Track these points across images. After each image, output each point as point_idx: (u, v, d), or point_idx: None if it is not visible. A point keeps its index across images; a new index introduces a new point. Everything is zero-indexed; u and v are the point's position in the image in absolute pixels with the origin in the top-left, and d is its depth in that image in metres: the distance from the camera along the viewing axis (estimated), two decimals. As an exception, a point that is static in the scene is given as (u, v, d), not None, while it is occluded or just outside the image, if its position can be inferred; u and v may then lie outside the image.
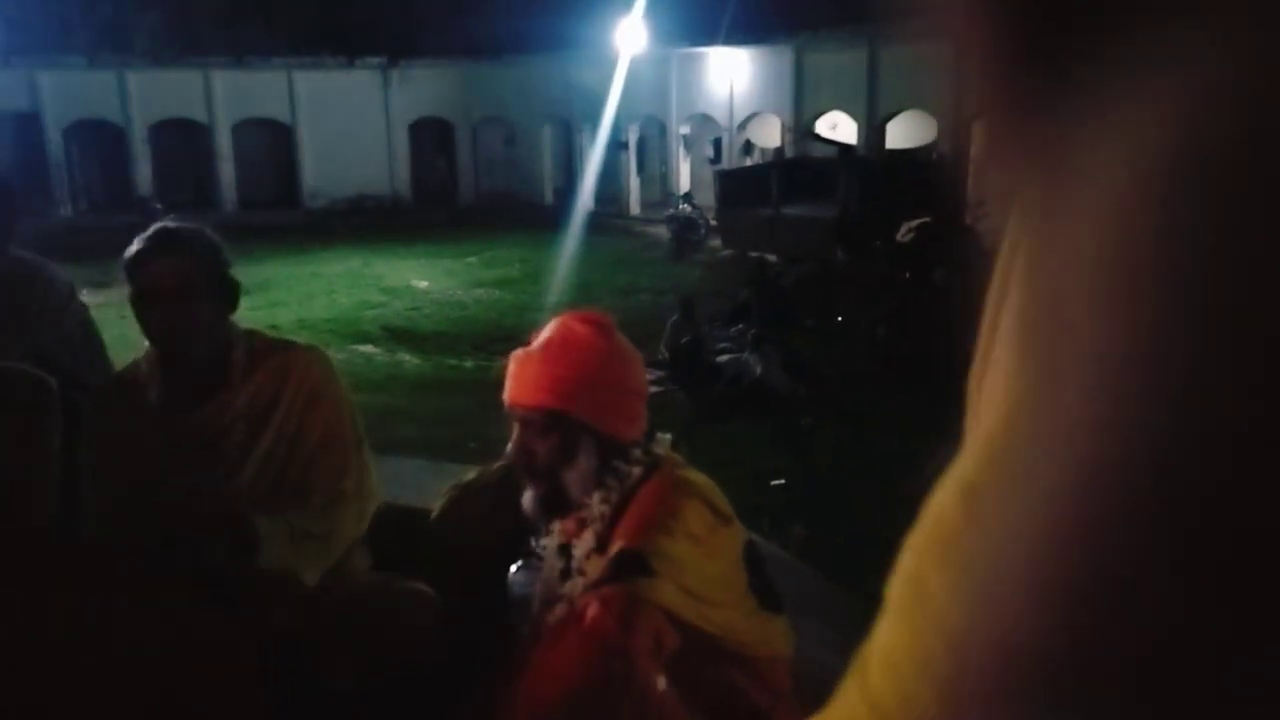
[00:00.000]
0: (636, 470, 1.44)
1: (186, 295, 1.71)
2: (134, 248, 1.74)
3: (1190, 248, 0.16)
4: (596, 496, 1.44)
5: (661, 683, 1.22)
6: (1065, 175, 0.19)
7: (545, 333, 1.47)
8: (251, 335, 1.86)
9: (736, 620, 1.37)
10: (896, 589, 0.28)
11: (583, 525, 1.47)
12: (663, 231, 16.79)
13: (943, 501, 0.26)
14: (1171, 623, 0.15)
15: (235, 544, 1.57)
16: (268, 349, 1.84)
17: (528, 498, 1.48)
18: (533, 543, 1.58)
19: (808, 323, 10.32)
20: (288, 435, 1.77)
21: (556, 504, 1.47)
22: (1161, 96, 0.17)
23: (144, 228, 1.81)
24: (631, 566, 1.30)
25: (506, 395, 1.48)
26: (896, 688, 0.28)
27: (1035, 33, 0.20)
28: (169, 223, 1.82)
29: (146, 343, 1.84)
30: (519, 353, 1.47)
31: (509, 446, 1.49)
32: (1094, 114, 0.18)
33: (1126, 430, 0.16)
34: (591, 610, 1.27)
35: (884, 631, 0.29)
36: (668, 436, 1.54)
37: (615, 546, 1.36)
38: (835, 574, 3.37)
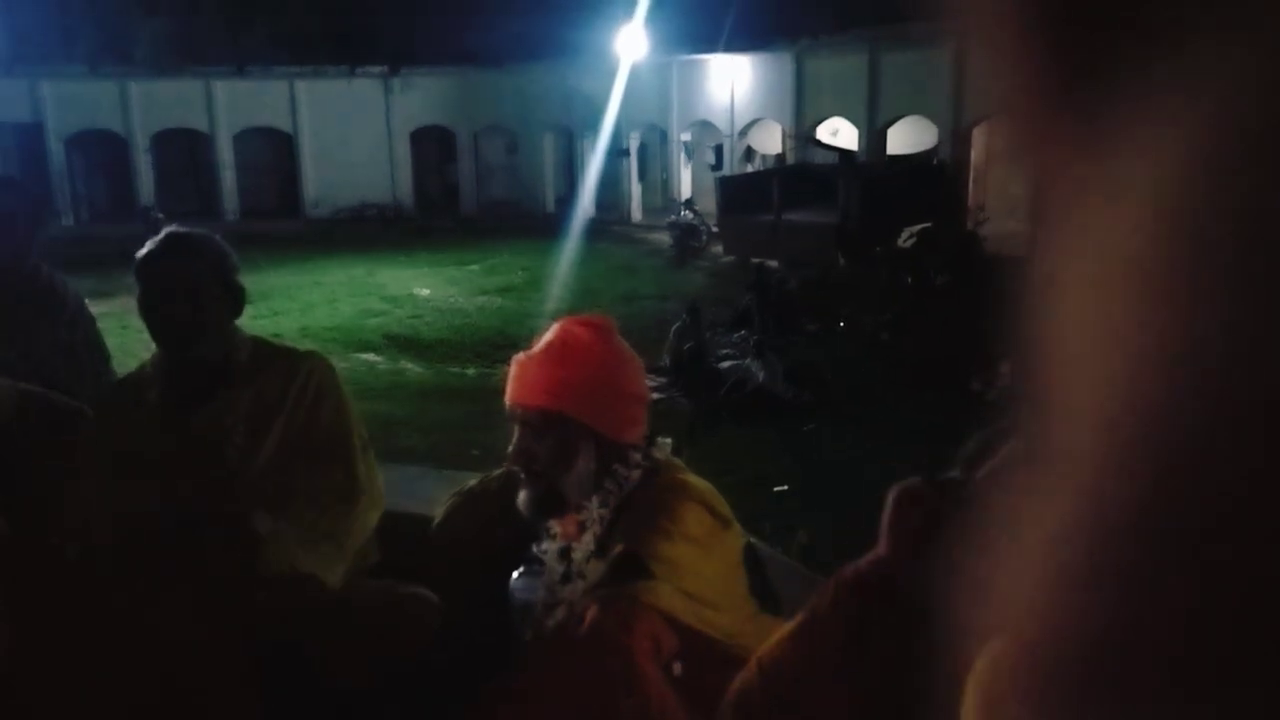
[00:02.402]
0: (636, 474, 1.44)
1: (194, 296, 1.74)
2: (145, 249, 1.77)
3: (1220, 253, 0.16)
4: (595, 500, 1.45)
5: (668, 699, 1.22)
6: (1097, 176, 0.19)
7: (546, 335, 1.48)
8: (255, 341, 1.88)
9: (737, 623, 1.37)
10: None
11: (582, 529, 1.47)
12: (664, 238, 16.80)
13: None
14: (1194, 619, 0.15)
15: (237, 542, 1.57)
16: (271, 354, 1.86)
17: (522, 498, 1.48)
18: (534, 548, 1.58)
19: (810, 328, 10.32)
20: (292, 438, 1.78)
21: (551, 505, 1.48)
22: (1195, 105, 0.17)
23: (147, 237, 1.84)
24: (630, 569, 1.31)
25: (507, 396, 1.49)
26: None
27: (1073, 39, 0.20)
28: (179, 228, 1.85)
29: (147, 352, 1.84)
30: (520, 355, 1.48)
31: (509, 449, 1.50)
32: (1129, 116, 0.18)
33: (1158, 427, 0.16)
34: (591, 613, 1.27)
35: None
36: (668, 441, 1.54)
37: (614, 550, 1.36)
38: (838, 579, 3.36)
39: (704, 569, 1.35)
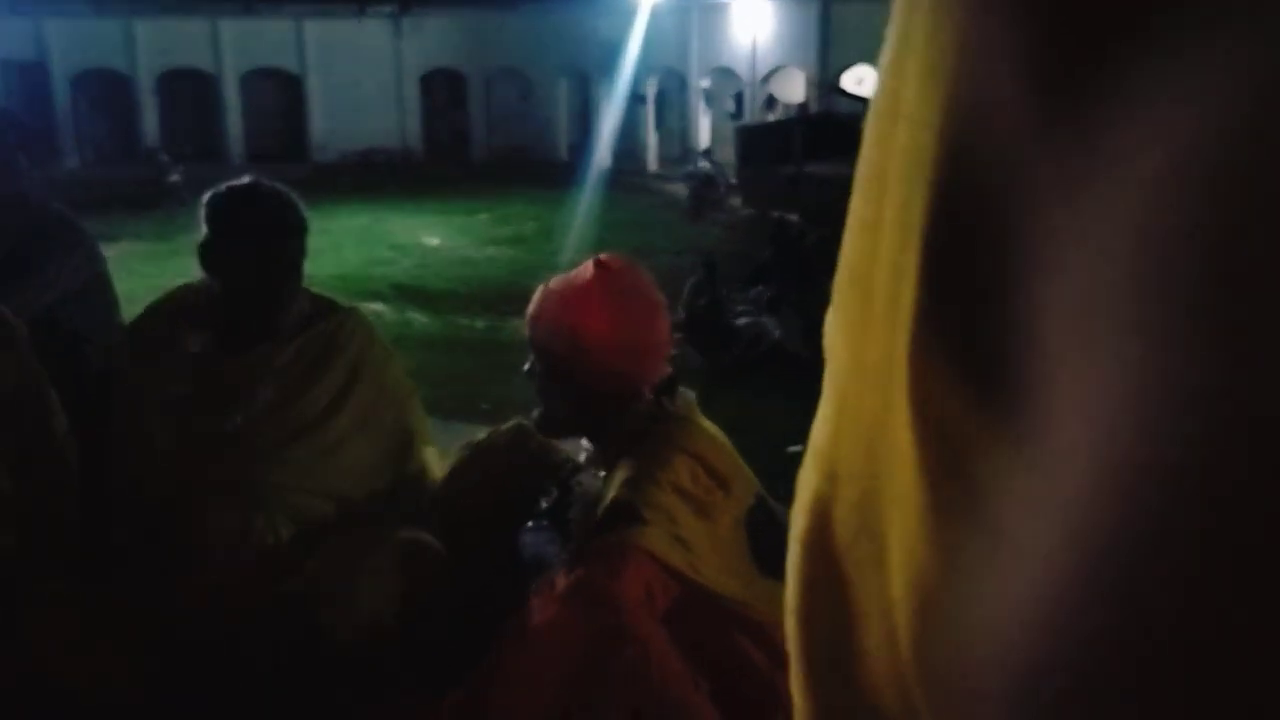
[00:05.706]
0: (635, 427, 1.44)
1: (300, 270, 1.81)
2: (257, 216, 1.78)
3: (1217, 249, 0.16)
4: (595, 452, 1.49)
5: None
6: (1094, 163, 0.18)
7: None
8: (302, 295, 1.88)
9: (735, 585, 1.36)
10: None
11: (585, 480, 1.50)
12: (681, 189, 16.51)
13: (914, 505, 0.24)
14: (1184, 637, 0.15)
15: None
16: (317, 311, 1.87)
17: None
18: (542, 502, 1.61)
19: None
20: (356, 406, 1.80)
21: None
22: (1201, 94, 0.17)
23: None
24: (623, 515, 1.32)
25: None
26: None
27: (1074, 20, 0.19)
28: (283, 189, 1.87)
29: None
30: None
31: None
32: (1130, 101, 0.18)
33: (1144, 438, 0.16)
34: (580, 563, 1.30)
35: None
36: (691, 394, 1.50)
37: (608, 498, 1.38)
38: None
39: (693, 521, 1.34)
